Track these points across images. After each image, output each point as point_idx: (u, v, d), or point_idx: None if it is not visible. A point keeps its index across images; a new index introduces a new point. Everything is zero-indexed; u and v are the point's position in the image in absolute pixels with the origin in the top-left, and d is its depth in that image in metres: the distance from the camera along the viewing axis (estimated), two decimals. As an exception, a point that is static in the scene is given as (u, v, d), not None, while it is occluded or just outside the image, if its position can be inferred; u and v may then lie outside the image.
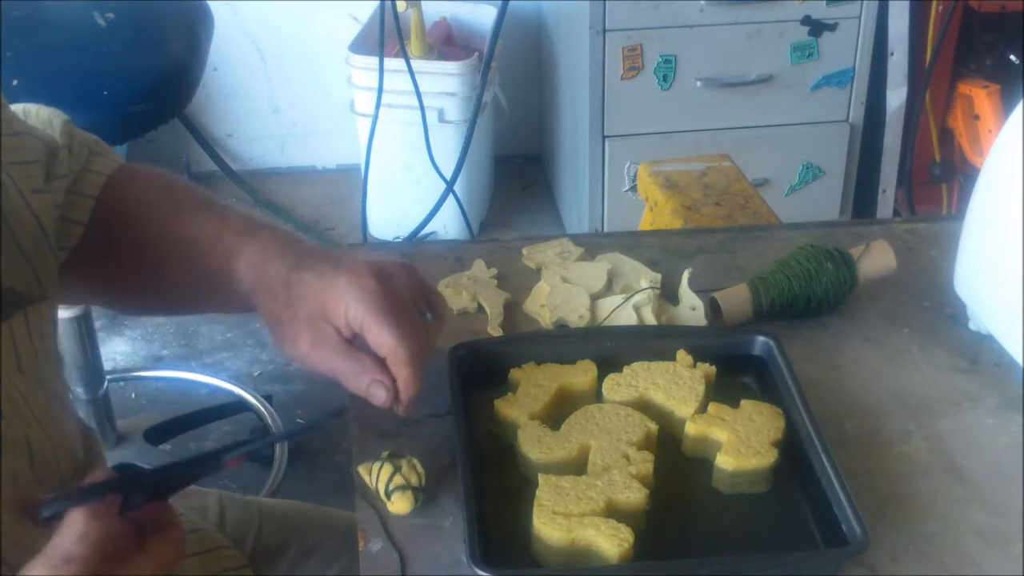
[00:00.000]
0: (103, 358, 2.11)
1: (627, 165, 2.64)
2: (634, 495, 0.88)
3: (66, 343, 1.95)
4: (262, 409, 2.30)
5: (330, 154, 3.20)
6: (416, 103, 2.58)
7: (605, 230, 2.68)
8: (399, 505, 0.91)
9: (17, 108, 0.96)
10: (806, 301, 1.13)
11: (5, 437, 0.81)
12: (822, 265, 1.12)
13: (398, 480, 0.90)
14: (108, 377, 2.11)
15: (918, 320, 1.15)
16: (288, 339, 0.91)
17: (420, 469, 0.91)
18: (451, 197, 2.62)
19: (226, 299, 0.96)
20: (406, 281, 0.92)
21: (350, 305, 0.88)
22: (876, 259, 1.15)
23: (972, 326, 1.13)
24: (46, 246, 0.87)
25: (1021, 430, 1.02)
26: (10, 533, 0.80)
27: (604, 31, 2.49)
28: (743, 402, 0.97)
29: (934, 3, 2.57)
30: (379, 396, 0.89)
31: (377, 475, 0.91)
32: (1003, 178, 1.03)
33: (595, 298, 1.14)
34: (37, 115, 0.97)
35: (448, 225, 2.80)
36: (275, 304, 0.92)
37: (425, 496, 0.91)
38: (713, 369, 1.01)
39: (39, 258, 0.86)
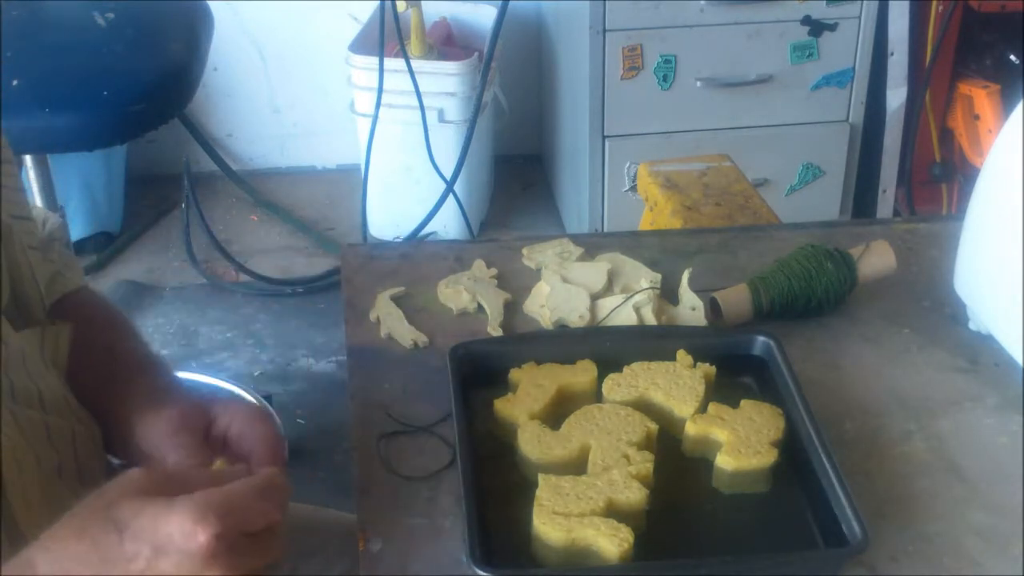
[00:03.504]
0: (103, 358, 2.11)
1: (627, 165, 2.64)
2: (634, 495, 0.88)
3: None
4: (262, 409, 2.29)
5: (330, 154, 3.20)
6: (416, 103, 2.57)
7: (605, 230, 2.68)
8: None
9: None
10: (806, 301, 1.13)
11: (53, 431, 0.83)
12: (822, 265, 1.12)
13: None
14: (108, 377, 2.11)
15: (918, 320, 1.15)
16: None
17: None
18: (451, 197, 2.62)
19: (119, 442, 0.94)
20: None
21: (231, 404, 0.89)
22: (876, 259, 1.15)
23: (972, 326, 1.13)
24: (36, 294, 0.89)
25: (1021, 430, 1.02)
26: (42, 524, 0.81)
27: (604, 31, 2.49)
28: (743, 402, 0.97)
29: (934, 3, 2.57)
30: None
31: None
32: (1003, 178, 1.03)
33: (595, 298, 1.14)
34: (34, 211, 1.02)
35: (448, 225, 2.80)
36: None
37: None
38: (713, 369, 1.01)
39: (28, 303, 0.88)
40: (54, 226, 1.02)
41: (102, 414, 0.94)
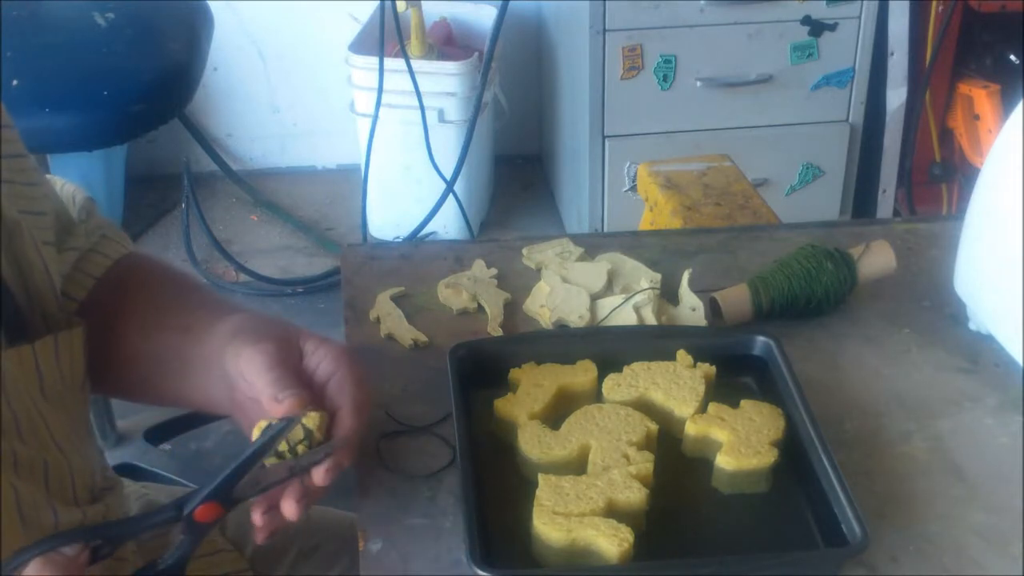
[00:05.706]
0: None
1: (627, 165, 2.64)
2: (634, 495, 0.88)
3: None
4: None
5: (330, 154, 3.20)
6: (416, 103, 2.58)
7: (605, 230, 2.68)
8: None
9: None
10: (806, 301, 1.12)
11: (21, 460, 0.82)
12: (822, 265, 1.12)
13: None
14: (108, 377, 2.10)
15: (918, 320, 1.15)
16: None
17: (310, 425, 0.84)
18: (451, 197, 2.63)
19: (212, 389, 0.92)
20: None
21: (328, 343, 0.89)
22: (876, 259, 1.15)
23: (972, 326, 1.13)
24: (51, 293, 0.88)
25: (1021, 430, 1.02)
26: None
27: (604, 31, 2.49)
28: (743, 402, 0.97)
29: (934, 3, 2.58)
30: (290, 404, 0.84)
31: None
32: (1003, 178, 1.03)
33: (595, 298, 1.14)
34: (62, 189, 1.00)
35: (448, 225, 2.80)
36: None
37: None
38: (713, 369, 1.01)
39: (42, 301, 0.87)
40: (82, 199, 1.00)
41: (171, 366, 0.93)
